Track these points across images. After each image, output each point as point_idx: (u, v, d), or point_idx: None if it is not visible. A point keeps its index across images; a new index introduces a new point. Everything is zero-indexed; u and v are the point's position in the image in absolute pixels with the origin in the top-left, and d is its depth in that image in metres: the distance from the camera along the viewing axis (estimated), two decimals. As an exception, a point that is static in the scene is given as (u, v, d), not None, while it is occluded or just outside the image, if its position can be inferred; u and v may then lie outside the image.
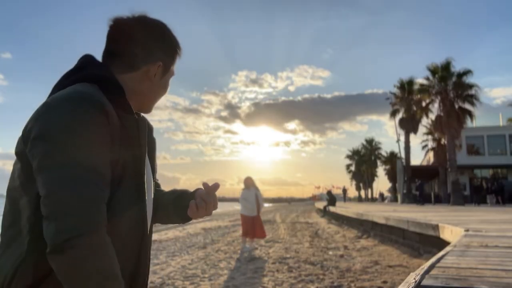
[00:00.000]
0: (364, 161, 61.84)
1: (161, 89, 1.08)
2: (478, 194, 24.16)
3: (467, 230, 4.83)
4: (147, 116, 1.12)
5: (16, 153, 0.90)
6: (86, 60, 1.00)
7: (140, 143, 0.98)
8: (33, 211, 0.83)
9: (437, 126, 26.58)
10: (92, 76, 0.94)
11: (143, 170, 0.98)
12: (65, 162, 0.81)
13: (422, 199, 25.20)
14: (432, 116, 28.76)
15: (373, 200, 57.59)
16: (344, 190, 42.43)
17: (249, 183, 8.64)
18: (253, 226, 8.59)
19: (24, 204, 0.86)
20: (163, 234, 11.57)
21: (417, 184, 26.90)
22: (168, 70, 1.07)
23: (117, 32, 1.01)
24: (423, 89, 27.79)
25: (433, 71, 27.01)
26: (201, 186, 1.09)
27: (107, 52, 1.02)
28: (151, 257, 1.11)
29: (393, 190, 48.64)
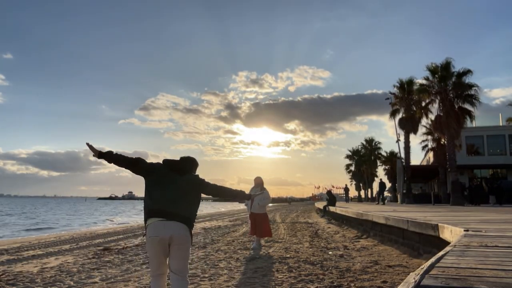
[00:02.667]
0: (364, 161, 61.81)
1: None
2: (476, 194, 24.23)
3: (466, 230, 4.83)
4: None
5: (193, 187, 3.44)
6: (191, 166, 3.59)
7: None
8: (196, 204, 3.46)
9: (436, 126, 26.57)
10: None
11: None
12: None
13: (381, 199, 27.41)
14: (432, 116, 28.79)
15: (373, 200, 57.58)
16: (346, 190, 39.90)
17: (255, 182, 8.72)
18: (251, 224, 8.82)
19: (195, 202, 3.44)
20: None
21: (378, 185, 28.54)
22: None
23: (186, 163, 3.54)
24: (423, 89, 27.74)
25: (433, 71, 27.00)
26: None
27: (180, 169, 3.47)
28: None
29: (393, 190, 48.60)
